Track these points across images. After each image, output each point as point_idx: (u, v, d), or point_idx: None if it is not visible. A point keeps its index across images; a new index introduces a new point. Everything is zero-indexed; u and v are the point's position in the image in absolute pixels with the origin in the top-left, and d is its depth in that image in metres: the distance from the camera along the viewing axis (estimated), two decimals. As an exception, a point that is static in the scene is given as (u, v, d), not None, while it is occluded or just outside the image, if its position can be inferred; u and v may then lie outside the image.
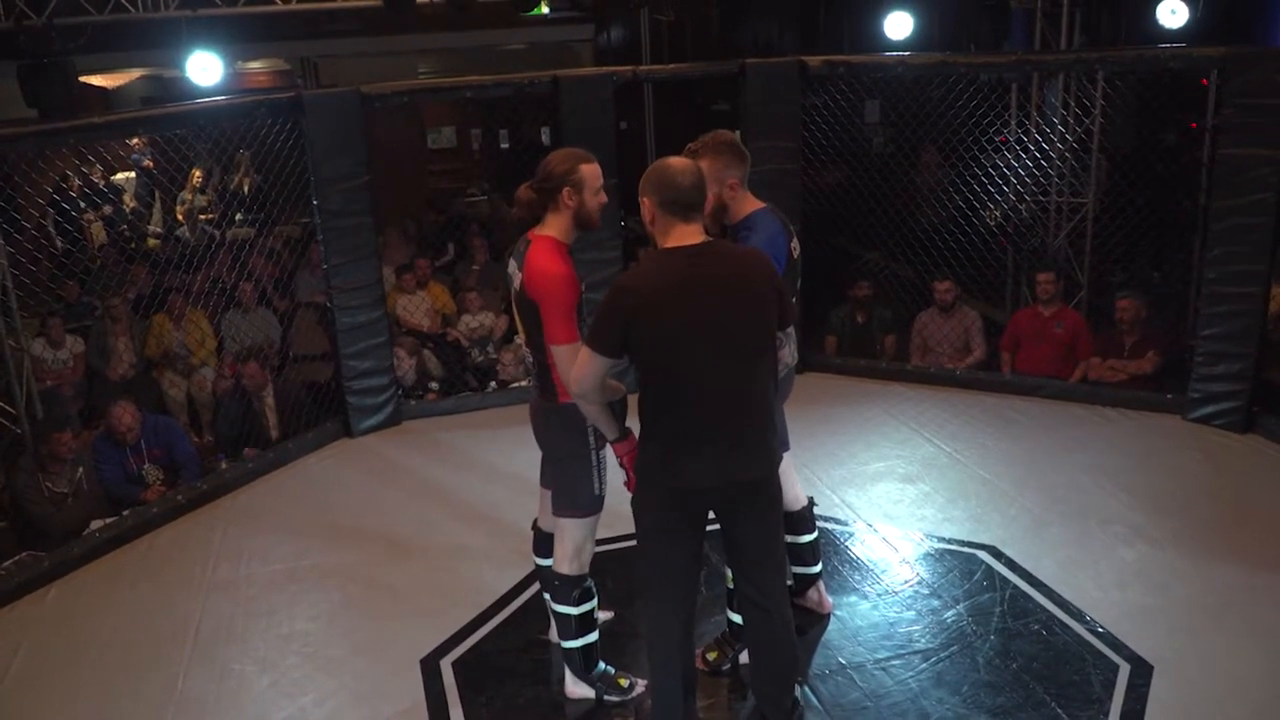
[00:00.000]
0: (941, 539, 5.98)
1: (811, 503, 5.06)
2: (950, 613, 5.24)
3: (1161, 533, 5.91)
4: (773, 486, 3.98)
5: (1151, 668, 4.72)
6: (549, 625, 4.86)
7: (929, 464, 6.93)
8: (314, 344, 9.06)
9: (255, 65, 17.46)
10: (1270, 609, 5.15)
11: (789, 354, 4.48)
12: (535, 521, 4.91)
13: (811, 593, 5.20)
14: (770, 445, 3.94)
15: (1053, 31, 9.40)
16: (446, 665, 5.04)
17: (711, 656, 4.80)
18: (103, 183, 14.75)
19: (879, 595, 5.44)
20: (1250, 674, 4.68)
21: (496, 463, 7.21)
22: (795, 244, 4.53)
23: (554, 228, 4.25)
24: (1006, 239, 9.31)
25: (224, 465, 7.46)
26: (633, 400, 4.00)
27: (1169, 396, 7.52)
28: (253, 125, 7.27)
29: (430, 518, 6.56)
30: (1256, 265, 6.87)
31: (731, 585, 4.64)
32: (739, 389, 3.78)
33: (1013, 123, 9.31)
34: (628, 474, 4.15)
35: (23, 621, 5.70)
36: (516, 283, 4.25)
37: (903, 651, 4.94)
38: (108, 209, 14.27)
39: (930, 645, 4.98)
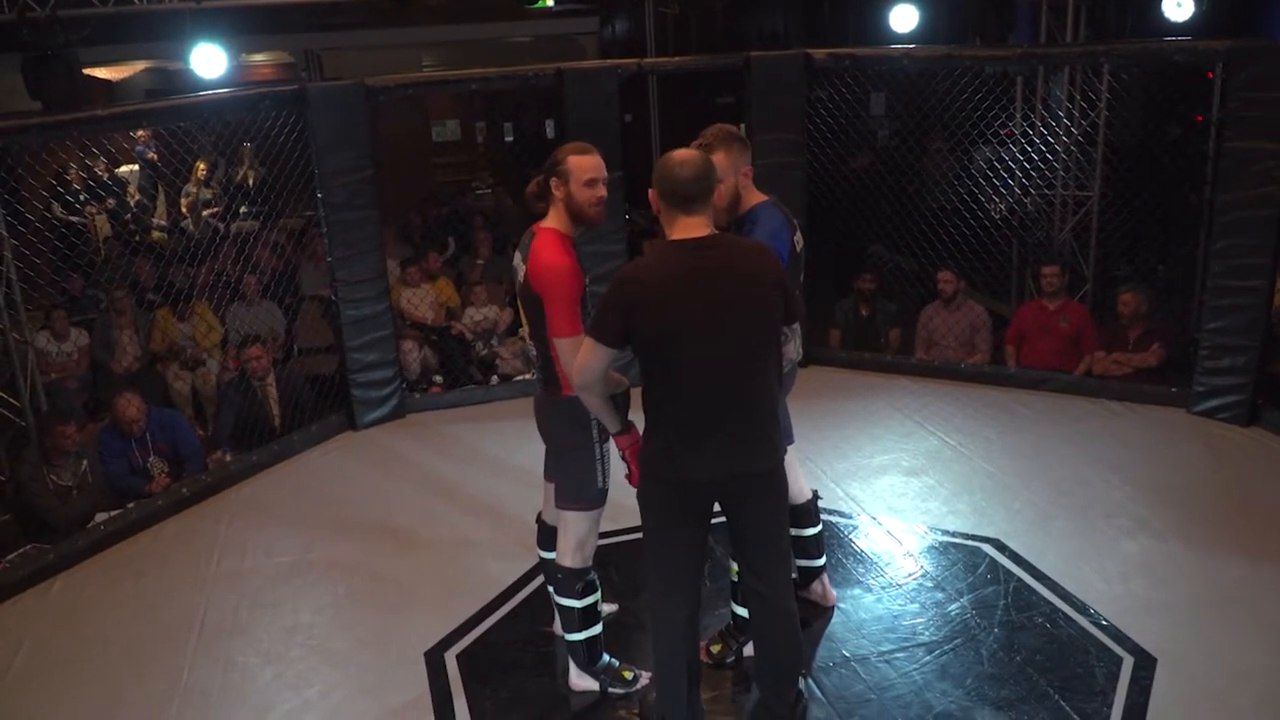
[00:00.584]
0: (946, 532, 5.99)
1: (816, 496, 5.06)
2: (954, 606, 5.24)
3: (1165, 525, 5.91)
4: (777, 480, 3.97)
5: (1155, 660, 4.72)
6: (553, 618, 4.86)
7: (933, 457, 6.93)
8: (318, 337, 9.07)
9: (259, 58, 17.45)
10: (1274, 601, 5.14)
11: (793, 350, 4.48)
12: (539, 514, 4.92)
13: (815, 585, 5.21)
14: (773, 439, 3.93)
15: (1058, 25, 9.38)
16: (451, 657, 5.05)
17: (716, 649, 4.80)
18: (107, 175, 14.75)
19: (883, 588, 5.44)
20: (1254, 666, 4.68)
21: (500, 456, 7.22)
22: (798, 237, 4.53)
23: (555, 220, 4.25)
24: (1011, 232, 9.30)
25: (228, 458, 7.46)
26: (636, 393, 4.00)
27: (1173, 390, 7.51)
28: (257, 118, 7.27)
29: (434, 510, 6.57)
30: (1261, 259, 6.85)
31: (736, 578, 4.65)
32: (741, 382, 3.78)
33: (1018, 116, 9.29)
34: (630, 467, 4.16)
35: (28, 614, 5.72)
36: (520, 275, 4.25)
37: (907, 644, 4.95)
38: (111, 202, 14.27)
39: (934, 638, 4.99)
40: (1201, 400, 7.28)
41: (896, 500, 6.40)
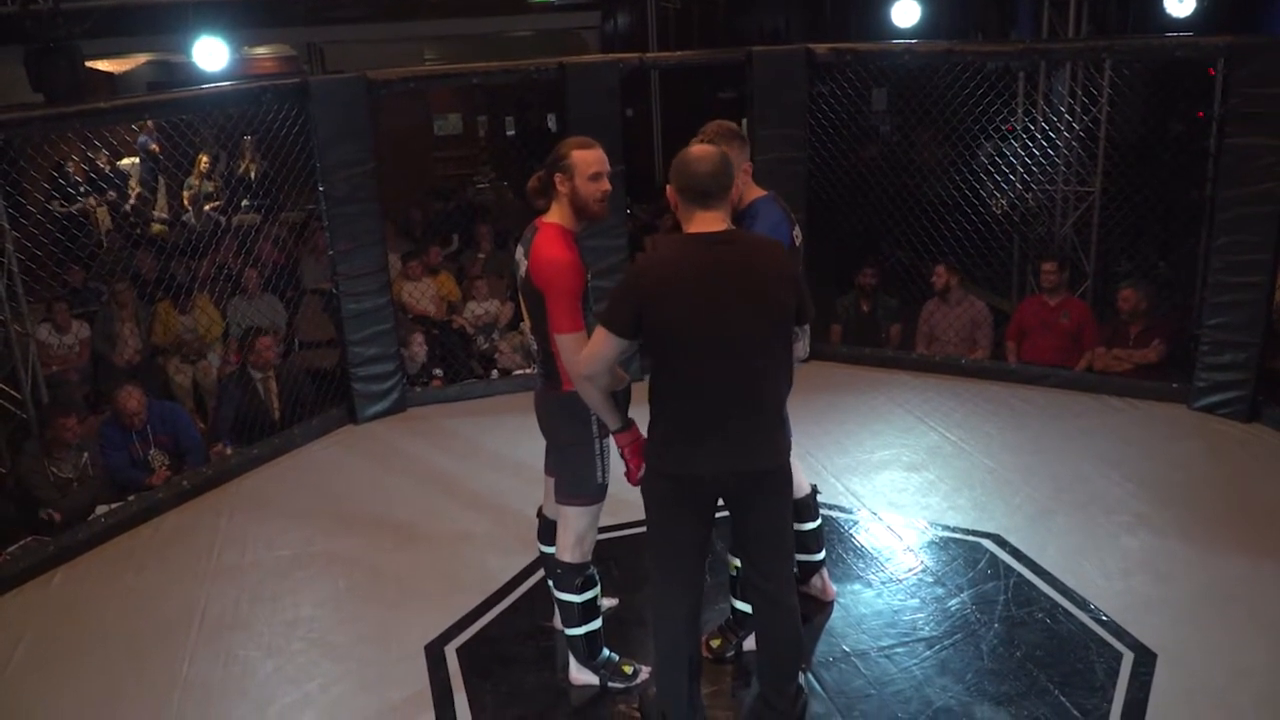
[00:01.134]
0: (946, 527, 5.99)
1: (815, 490, 5.07)
2: (954, 601, 5.24)
3: (1165, 522, 5.91)
4: (781, 477, 3.97)
5: (1155, 656, 4.73)
6: (553, 612, 4.87)
7: (934, 452, 6.93)
8: (319, 331, 9.07)
9: (261, 51, 17.45)
10: (1274, 598, 5.15)
11: (801, 349, 4.48)
12: (540, 509, 4.92)
13: (815, 580, 5.21)
14: (777, 440, 3.93)
15: (1060, 20, 9.37)
16: (451, 651, 5.05)
17: (715, 644, 4.81)
18: (108, 168, 14.76)
19: (883, 583, 5.44)
20: (1253, 663, 4.68)
21: (501, 450, 7.22)
22: (797, 231, 4.54)
23: (558, 215, 4.24)
24: (1013, 228, 9.30)
25: (228, 451, 7.46)
26: (638, 388, 4.00)
27: (1174, 386, 7.51)
28: (259, 111, 7.27)
29: (435, 504, 6.57)
30: (1262, 255, 6.85)
31: (734, 572, 4.66)
32: (748, 380, 3.77)
33: (1019, 111, 9.29)
34: (628, 465, 4.16)
35: (28, 606, 5.72)
36: (522, 270, 4.25)
37: (907, 639, 4.95)
38: (112, 194, 14.28)
39: (934, 633, 4.99)
40: (1202, 396, 7.28)
41: (897, 495, 6.40)
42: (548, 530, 4.78)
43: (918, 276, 8.95)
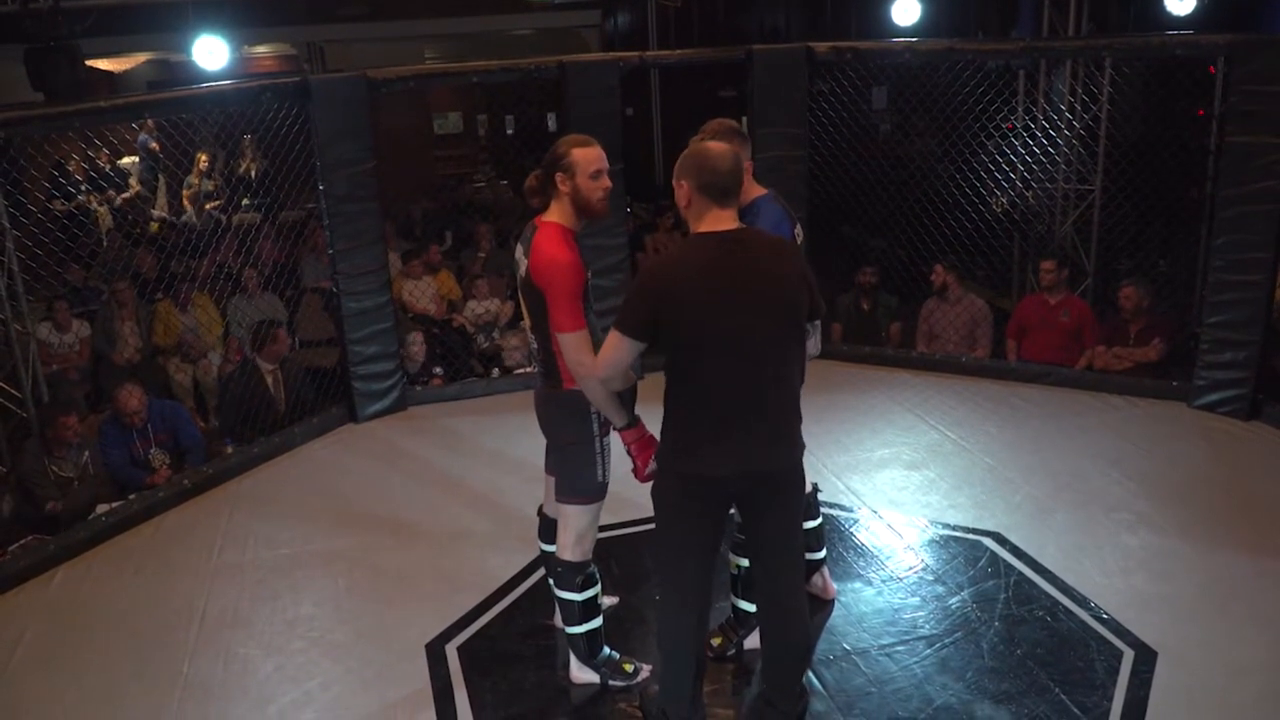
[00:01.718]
0: (946, 525, 5.99)
1: (816, 489, 5.07)
2: (955, 599, 5.25)
3: (1166, 520, 5.91)
4: (796, 477, 3.95)
5: (1155, 654, 4.73)
6: (554, 611, 4.87)
7: (934, 451, 6.93)
8: (319, 330, 9.07)
9: (261, 50, 17.49)
10: (1274, 596, 5.15)
11: (813, 345, 4.48)
12: (540, 507, 4.92)
13: (816, 578, 5.21)
14: (795, 436, 3.92)
15: (1060, 18, 9.38)
16: (451, 650, 5.05)
17: (716, 642, 4.81)
18: (109, 167, 14.76)
19: (883, 581, 5.44)
20: (1254, 660, 4.68)
21: (501, 449, 7.22)
22: (798, 230, 4.54)
23: (558, 213, 4.23)
24: (1013, 226, 9.30)
25: (228, 450, 7.47)
26: (644, 387, 4.00)
27: (1174, 384, 7.51)
28: (259, 110, 7.27)
29: (435, 503, 6.57)
30: (1262, 253, 6.86)
31: (735, 571, 4.66)
32: (765, 378, 3.75)
33: (1020, 110, 9.29)
34: (635, 462, 4.15)
35: (29, 605, 5.72)
36: (522, 269, 4.24)
37: (907, 637, 4.95)
38: (112, 193, 14.29)
39: (935, 631, 4.99)
40: (1202, 395, 7.29)
41: (897, 494, 6.41)
42: (548, 529, 4.78)
43: (918, 275, 8.95)
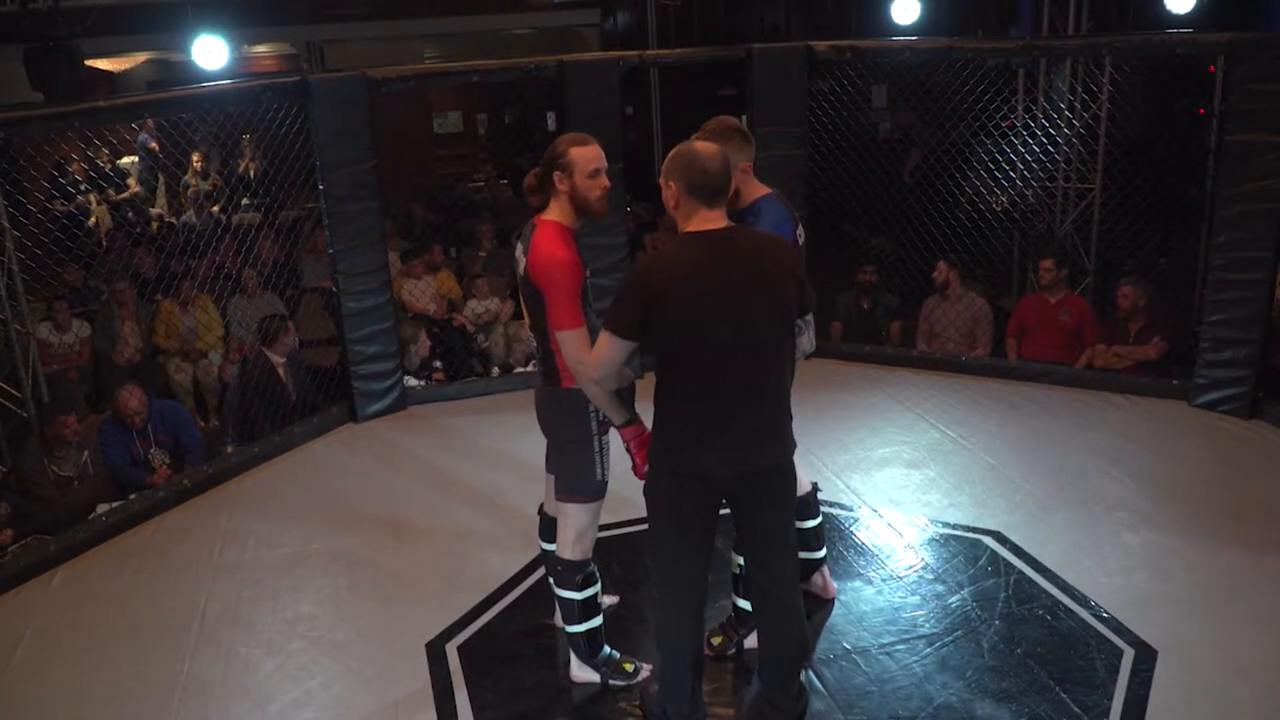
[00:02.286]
0: (946, 524, 5.99)
1: (816, 488, 5.07)
2: (955, 598, 5.24)
3: (1166, 518, 5.91)
4: (788, 475, 3.97)
5: (1156, 653, 4.73)
6: (554, 610, 4.87)
7: (934, 450, 6.93)
8: (319, 329, 9.07)
9: (261, 49, 17.49)
10: (1275, 594, 5.15)
11: (807, 341, 4.48)
12: (540, 506, 4.92)
13: (816, 578, 5.21)
14: (786, 434, 3.93)
15: (1060, 17, 9.38)
16: (452, 649, 5.05)
17: (716, 641, 4.81)
18: (109, 166, 14.76)
19: (884, 580, 5.44)
20: (1255, 658, 4.68)
21: (501, 448, 7.22)
22: (800, 230, 4.54)
23: (557, 212, 4.24)
24: (1013, 225, 9.30)
25: (228, 449, 7.47)
26: (642, 385, 4.00)
27: (1174, 383, 7.51)
28: (259, 109, 7.27)
29: (435, 502, 6.57)
30: (1262, 252, 6.85)
31: (736, 570, 4.66)
32: (756, 376, 3.76)
33: (1020, 108, 9.29)
34: (634, 459, 4.15)
35: (29, 605, 5.72)
36: (521, 267, 4.25)
37: (907, 636, 4.95)
38: (111, 192, 14.28)
39: (935, 630, 4.99)
40: (1202, 393, 7.28)
41: (897, 493, 6.40)
42: (548, 528, 4.78)
43: (918, 273, 8.95)
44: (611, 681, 4.67)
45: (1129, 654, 4.74)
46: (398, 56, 14.54)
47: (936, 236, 8.62)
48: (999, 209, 9.13)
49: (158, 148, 14.29)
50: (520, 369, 8.75)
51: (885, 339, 8.99)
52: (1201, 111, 9.38)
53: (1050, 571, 5.43)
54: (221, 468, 7.11)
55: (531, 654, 4.98)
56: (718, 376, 3.73)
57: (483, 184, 15.23)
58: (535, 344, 4.38)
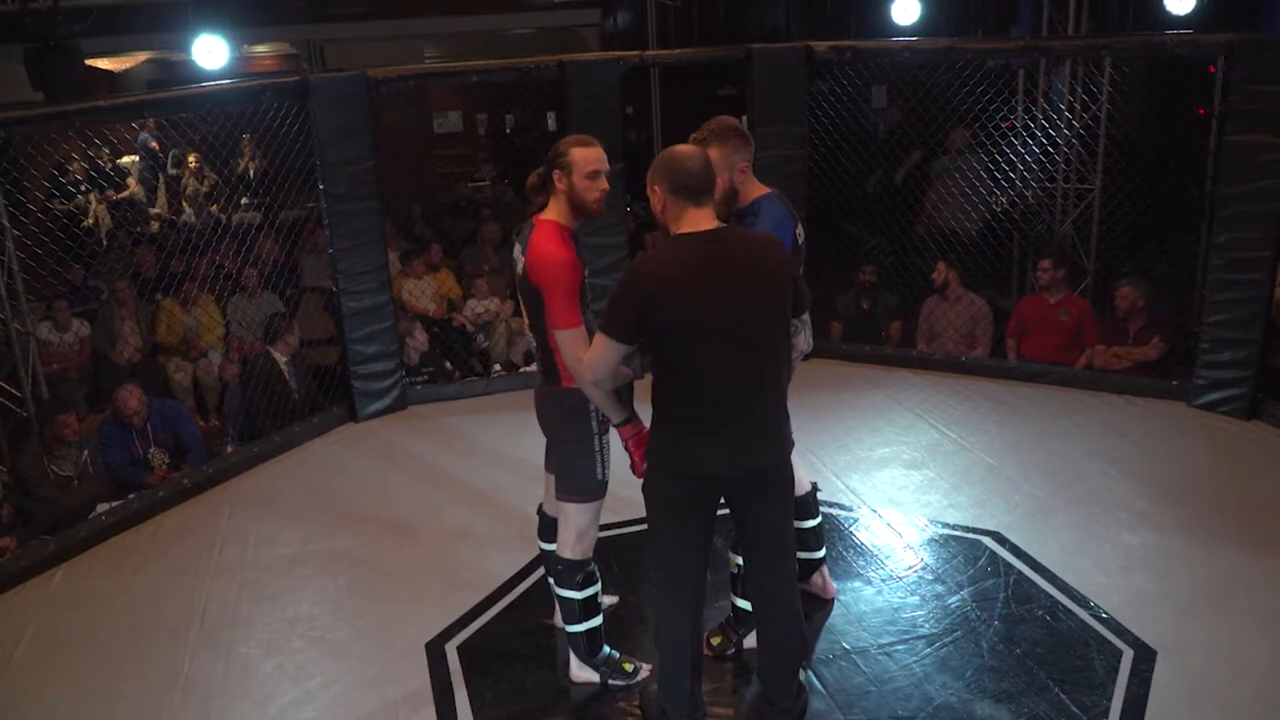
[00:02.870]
0: (946, 524, 5.99)
1: (815, 488, 5.07)
2: (954, 598, 5.25)
3: (1166, 519, 5.91)
4: (785, 474, 3.98)
5: (1155, 653, 4.73)
6: (554, 610, 4.87)
7: (934, 450, 6.93)
8: (320, 329, 9.07)
9: (261, 49, 17.47)
10: (1274, 594, 5.15)
11: (804, 341, 4.48)
12: (540, 506, 4.93)
13: (815, 578, 5.21)
14: (783, 432, 3.94)
15: (1060, 17, 9.38)
16: (451, 649, 5.06)
17: (715, 641, 4.81)
18: (109, 166, 14.75)
19: (883, 580, 5.45)
20: (1254, 659, 4.68)
21: (501, 447, 7.23)
22: (800, 229, 4.54)
23: (555, 211, 4.25)
24: (1013, 225, 9.30)
25: (229, 449, 7.47)
26: (641, 385, 4.00)
27: (1174, 383, 7.51)
28: (259, 109, 7.27)
29: (435, 502, 6.58)
30: (1262, 252, 6.85)
31: (735, 570, 4.66)
32: (753, 375, 3.77)
33: (1019, 109, 9.29)
34: (633, 459, 4.16)
35: (29, 605, 5.72)
36: (520, 267, 4.25)
37: (907, 636, 4.95)
38: (111, 192, 14.26)
39: (934, 630, 4.99)
40: (1202, 394, 7.28)
41: (897, 493, 6.41)
42: (548, 527, 4.78)
43: (917, 273, 8.95)
44: (611, 681, 4.67)
45: (1128, 654, 4.74)
46: (398, 56, 14.53)
47: (935, 236, 8.62)
48: (999, 209, 9.13)
49: (158, 147, 14.29)
50: (522, 367, 8.75)
51: (885, 339, 8.98)
52: (1201, 112, 9.38)
53: (1049, 572, 5.43)
54: (221, 467, 7.11)
55: (531, 654, 4.99)
56: (713, 376, 3.74)
57: (485, 184, 15.22)
58: (534, 343, 4.39)
